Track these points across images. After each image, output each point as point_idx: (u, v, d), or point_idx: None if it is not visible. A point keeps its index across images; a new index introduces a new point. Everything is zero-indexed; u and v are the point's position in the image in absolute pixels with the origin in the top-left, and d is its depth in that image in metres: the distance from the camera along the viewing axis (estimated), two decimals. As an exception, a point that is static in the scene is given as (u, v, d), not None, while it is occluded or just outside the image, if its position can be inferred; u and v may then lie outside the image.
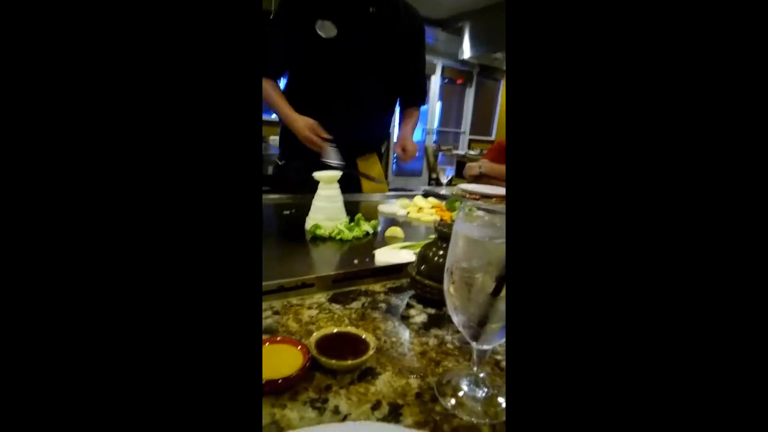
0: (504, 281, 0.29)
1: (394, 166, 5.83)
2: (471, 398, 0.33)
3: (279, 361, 0.34)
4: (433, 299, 0.49)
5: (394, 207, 1.00)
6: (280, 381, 0.31)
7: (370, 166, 1.23)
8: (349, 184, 0.93)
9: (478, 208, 0.33)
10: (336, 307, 0.48)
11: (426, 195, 1.17)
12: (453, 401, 0.32)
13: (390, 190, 1.33)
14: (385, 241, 0.73)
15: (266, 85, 1.09)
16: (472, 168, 1.52)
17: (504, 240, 0.29)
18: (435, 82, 5.76)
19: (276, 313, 0.45)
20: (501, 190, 1.24)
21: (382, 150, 1.35)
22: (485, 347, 0.33)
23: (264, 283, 0.48)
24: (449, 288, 0.32)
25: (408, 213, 0.97)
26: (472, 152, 4.70)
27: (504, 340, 0.32)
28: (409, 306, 0.50)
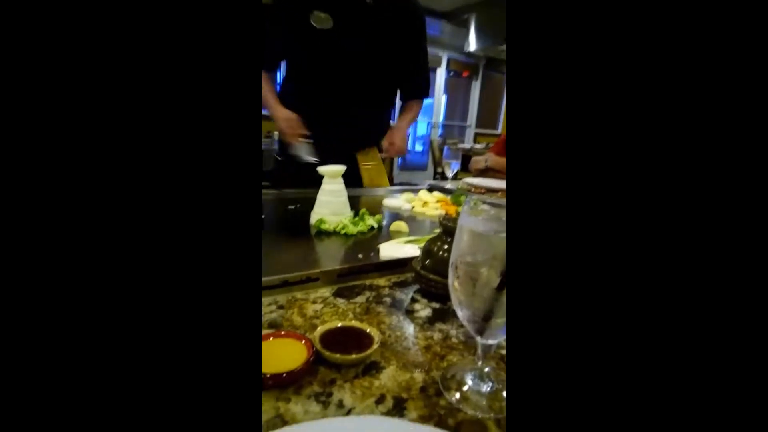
0: (509, 275, 0.28)
1: (399, 160, 5.81)
2: (476, 392, 0.33)
3: (283, 355, 0.34)
4: (437, 294, 0.49)
5: (399, 201, 1.00)
6: (284, 375, 0.31)
7: (371, 160, 1.21)
8: (349, 179, 0.91)
9: (484, 202, 0.32)
10: (340, 301, 0.48)
11: (431, 189, 1.16)
12: (458, 395, 0.32)
13: (395, 184, 1.32)
14: (389, 236, 0.73)
15: None
16: (478, 162, 1.51)
17: (509, 234, 0.28)
18: (440, 75, 5.71)
19: (281, 307, 0.45)
20: None
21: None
22: (490, 342, 0.33)
23: (269, 278, 0.48)
24: (454, 282, 0.32)
25: (413, 207, 0.97)
26: (477, 146, 4.66)
27: (509, 334, 0.32)
28: (413, 300, 0.49)
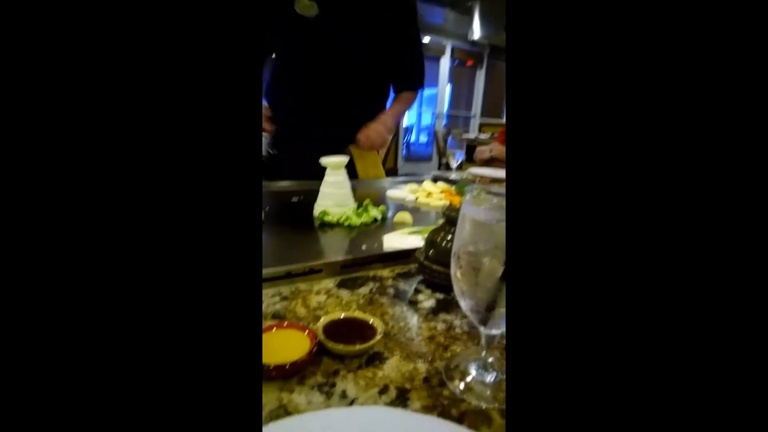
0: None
1: (404, 151, 5.78)
2: (479, 383, 0.33)
3: (287, 346, 0.34)
4: (441, 284, 0.49)
5: (403, 192, 0.99)
6: (287, 366, 0.32)
7: (366, 153, 1.16)
8: (309, 168, 0.88)
9: (487, 192, 0.32)
10: (344, 292, 0.48)
11: (435, 180, 1.16)
12: (461, 386, 0.32)
13: (399, 175, 1.31)
14: (393, 227, 0.72)
15: None
16: (483, 152, 1.50)
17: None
18: (444, 65, 5.64)
19: (284, 298, 0.45)
20: None
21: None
22: (494, 332, 0.32)
23: (272, 269, 0.48)
24: (456, 272, 0.32)
25: (417, 198, 0.96)
26: (482, 136, 4.62)
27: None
28: (417, 291, 0.49)
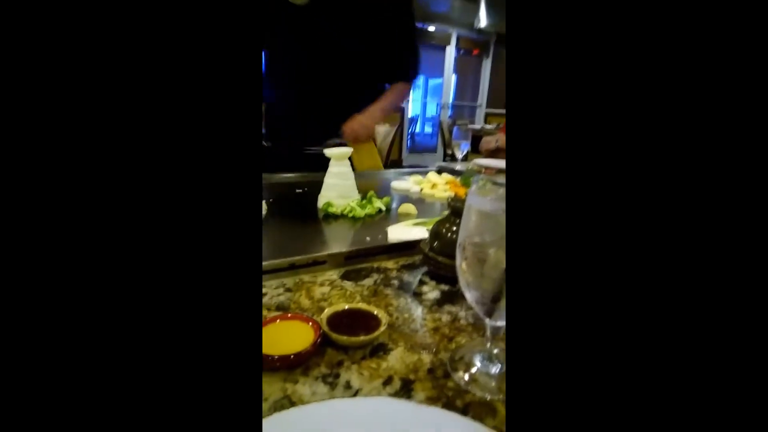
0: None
1: (409, 142, 5.75)
2: (484, 374, 0.32)
3: (291, 337, 0.34)
4: (446, 276, 0.48)
5: (408, 184, 0.98)
6: (291, 356, 0.32)
7: (361, 144, 1.10)
8: (312, 160, 0.85)
9: (493, 182, 0.31)
10: (348, 284, 0.48)
11: (440, 171, 1.15)
12: (466, 377, 0.32)
13: (404, 167, 1.29)
14: (398, 219, 0.72)
15: None
16: (489, 142, 1.48)
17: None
18: (450, 54, 5.56)
19: (288, 290, 0.45)
20: None
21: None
22: (499, 323, 0.32)
23: (276, 261, 0.48)
24: (462, 264, 0.31)
25: (421, 189, 0.96)
26: (488, 126, 4.57)
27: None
28: (421, 282, 0.49)
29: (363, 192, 0.79)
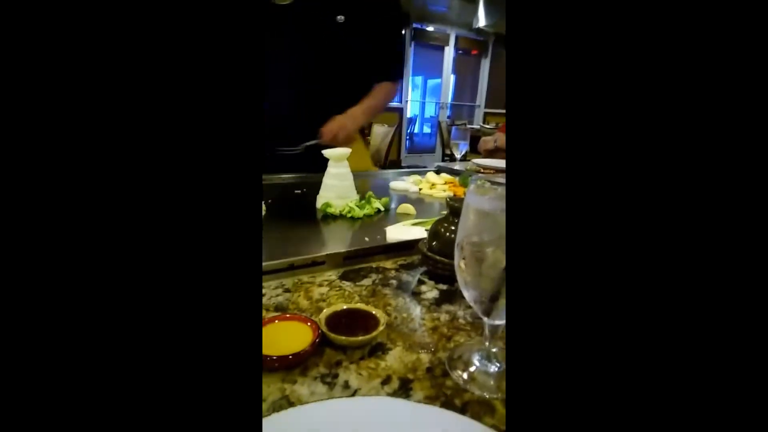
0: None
1: (407, 142, 5.75)
2: (483, 373, 0.32)
3: (289, 337, 0.34)
4: (444, 275, 0.49)
5: (406, 184, 0.98)
6: (290, 356, 0.32)
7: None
8: (311, 161, 0.84)
9: (491, 182, 0.31)
10: (347, 284, 0.48)
11: (438, 171, 1.15)
12: (465, 376, 0.32)
13: (403, 167, 1.29)
14: (396, 219, 0.72)
15: None
16: (487, 142, 1.47)
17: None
18: (448, 54, 5.56)
19: (287, 290, 0.45)
20: None
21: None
22: (497, 322, 0.32)
23: (275, 262, 0.48)
24: (460, 263, 0.31)
25: (420, 190, 0.96)
26: (487, 126, 4.57)
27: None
28: (420, 282, 0.49)
29: (362, 192, 0.79)
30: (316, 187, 0.79)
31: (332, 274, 0.50)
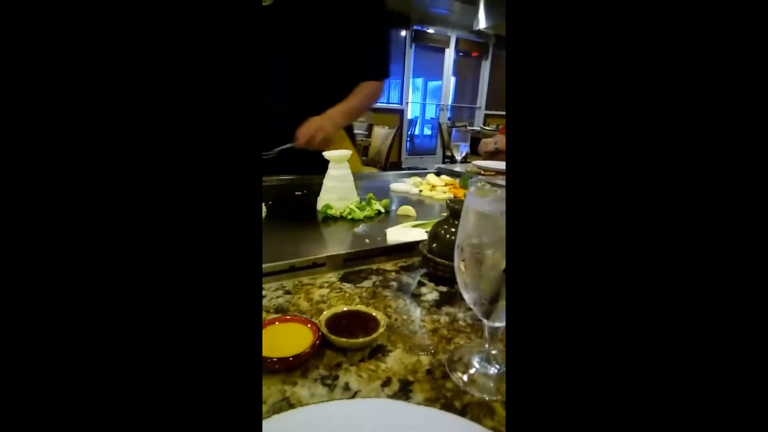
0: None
1: (408, 144, 5.75)
2: (483, 375, 0.32)
3: (290, 339, 0.34)
4: (444, 277, 0.49)
5: (407, 186, 0.99)
6: (290, 358, 0.32)
7: (338, 141, 1.04)
8: (319, 163, 0.83)
9: (492, 184, 0.31)
10: (347, 286, 0.48)
11: (439, 173, 1.15)
12: (464, 378, 0.32)
13: (403, 168, 1.29)
14: (396, 220, 0.72)
15: None
16: (487, 144, 1.48)
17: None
18: (449, 56, 5.57)
19: (287, 292, 0.45)
20: None
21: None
22: (497, 324, 0.32)
23: (275, 263, 0.48)
24: (460, 265, 0.31)
25: (420, 191, 0.96)
26: (487, 128, 4.58)
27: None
28: (420, 284, 0.49)
29: (365, 194, 0.79)
30: (316, 188, 0.79)
31: (332, 276, 0.50)
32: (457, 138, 1.49)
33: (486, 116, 6.02)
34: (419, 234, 0.61)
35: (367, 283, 0.49)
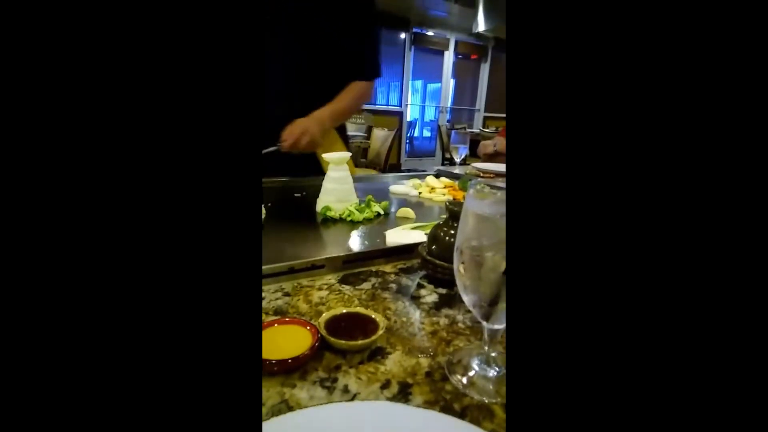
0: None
1: (407, 146, 5.76)
2: (482, 377, 0.32)
3: (289, 341, 0.34)
4: (444, 279, 0.49)
5: (406, 188, 0.99)
6: (289, 360, 0.32)
7: (330, 143, 1.01)
8: (306, 165, 0.80)
9: (491, 187, 0.31)
10: (346, 288, 0.48)
11: (438, 175, 1.15)
12: (464, 380, 0.32)
13: (403, 171, 1.29)
14: (396, 222, 0.72)
15: None
16: (487, 146, 1.48)
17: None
18: (448, 59, 5.59)
19: (286, 294, 0.45)
20: None
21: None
22: (497, 327, 0.32)
23: (274, 265, 0.48)
24: (459, 267, 0.31)
25: (420, 193, 0.96)
26: (487, 130, 4.59)
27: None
28: (419, 286, 0.49)
29: (365, 196, 0.79)
30: (315, 190, 0.79)
31: (332, 278, 0.50)
32: (457, 140, 1.49)
33: (485, 118, 6.03)
34: (418, 236, 0.61)
35: (366, 285, 0.49)
